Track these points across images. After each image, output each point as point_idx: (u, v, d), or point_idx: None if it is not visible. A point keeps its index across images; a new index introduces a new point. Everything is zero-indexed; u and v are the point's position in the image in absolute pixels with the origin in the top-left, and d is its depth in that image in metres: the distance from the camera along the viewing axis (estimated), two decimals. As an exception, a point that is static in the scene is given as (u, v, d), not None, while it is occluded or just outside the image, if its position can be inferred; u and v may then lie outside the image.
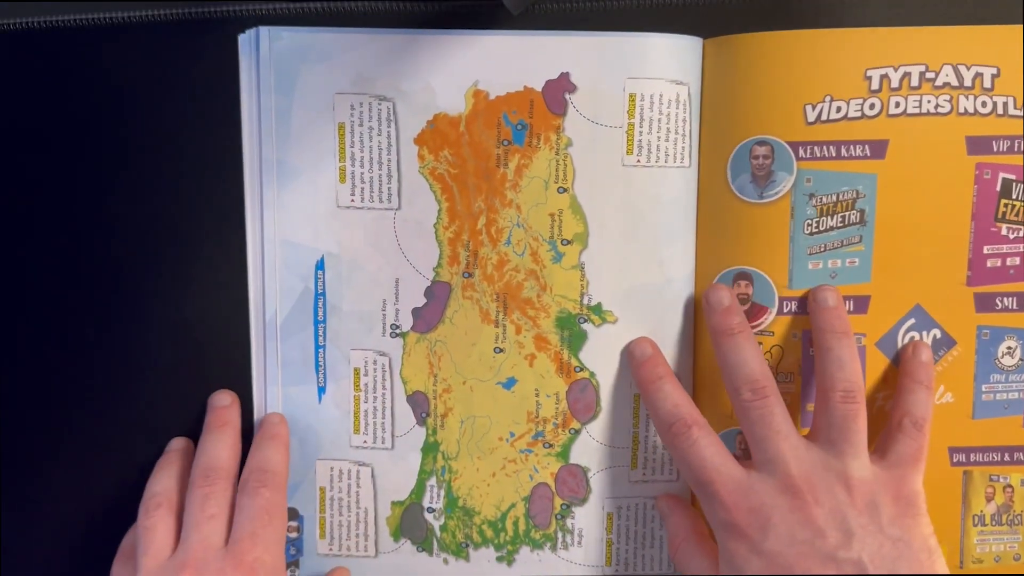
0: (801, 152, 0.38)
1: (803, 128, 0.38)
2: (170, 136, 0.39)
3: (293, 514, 0.41)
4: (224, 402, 0.40)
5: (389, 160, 0.38)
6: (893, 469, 0.34)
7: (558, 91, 0.37)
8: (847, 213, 0.38)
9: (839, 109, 0.38)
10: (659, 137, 0.38)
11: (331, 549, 0.42)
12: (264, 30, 0.38)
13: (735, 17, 0.38)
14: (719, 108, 0.38)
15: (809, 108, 0.38)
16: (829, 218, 0.38)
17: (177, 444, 0.40)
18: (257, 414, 0.41)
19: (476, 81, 0.37)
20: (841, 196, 0.38)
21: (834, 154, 0.38)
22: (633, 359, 0.39)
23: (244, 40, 0.38)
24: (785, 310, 0.39)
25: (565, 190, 0.38)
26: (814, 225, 0.38)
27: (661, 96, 0.38)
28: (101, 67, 0.39)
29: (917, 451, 0.35)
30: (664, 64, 0.38)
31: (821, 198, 0.38)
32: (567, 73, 0.37)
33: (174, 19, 0.38)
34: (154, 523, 0.36)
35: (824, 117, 0.38)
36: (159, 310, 0.41)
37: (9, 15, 0.39)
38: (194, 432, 0.41)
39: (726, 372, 0.36)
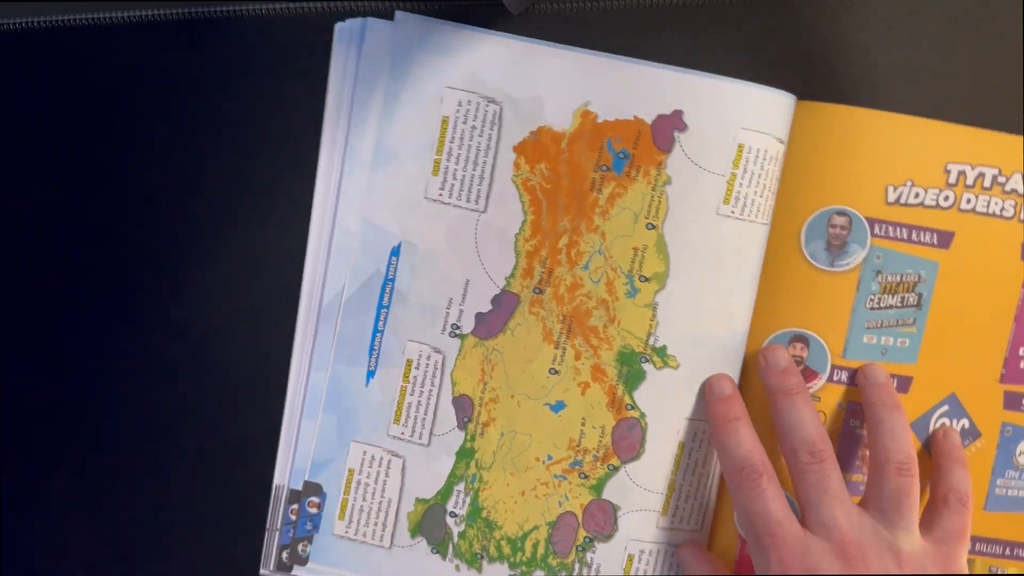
0: (877, 229, 0.40)
1: (882, 207, 0.39)
2: (171, 136, 0.40)
3: (316, 490, 0.41)
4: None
5: (485, 162, 0.39)
6: (941, 544, 0.36)
7: (668, 127, 0.38)
8: (907, 295, 0.40)
9: (917, 195, 0.40)
10: (755, 192, 0.39)
11: (347, 532, 0.41)
12: (377, 21, 0.38)
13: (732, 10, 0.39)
14: (803, 171, 0.40)
15: (891, 189, 0.40)
16: (890, 296, 0.40)
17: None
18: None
19: (587, 102, 0.38)
20: (904, 277, 0.40)
21: (905, 237, 0.40)
22: (711, 394, 0.39)
23: (343, 28, 0.39)
24: (835, 378, 0.40)
25: (654, 227, 0.39)
26: (875, 301, 0.40)
27: (766, 152, 0.39)
28: (101, 67, 0.39)
29: (963, 527, 0.36)
30: (774, 120, 0.38)
31: (887, 276, 0.40)
32: (680, 111, 0.38)
33: (174, 19, 0.38)
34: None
35: (903, 200, 0.40)
36: (159, 313, 0.41)
37: (9, 15, 0.39)
38: (203, 427, 0.41)
39: (782, 432, 0.37)
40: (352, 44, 0.39)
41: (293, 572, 0.41)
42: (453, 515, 0.41)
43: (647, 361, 0.40)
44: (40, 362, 0.41)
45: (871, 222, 0.39)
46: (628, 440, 0.40)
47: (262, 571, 0.42)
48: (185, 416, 0.42)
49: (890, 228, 0.40)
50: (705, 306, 0.39)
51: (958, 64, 0.39)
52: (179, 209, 0.40)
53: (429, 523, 0.41)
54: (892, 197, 0.40)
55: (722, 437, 0.38)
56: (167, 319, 0.41)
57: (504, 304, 0.40)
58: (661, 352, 0.40)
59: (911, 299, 0.40)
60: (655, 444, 0.40)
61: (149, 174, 0.40)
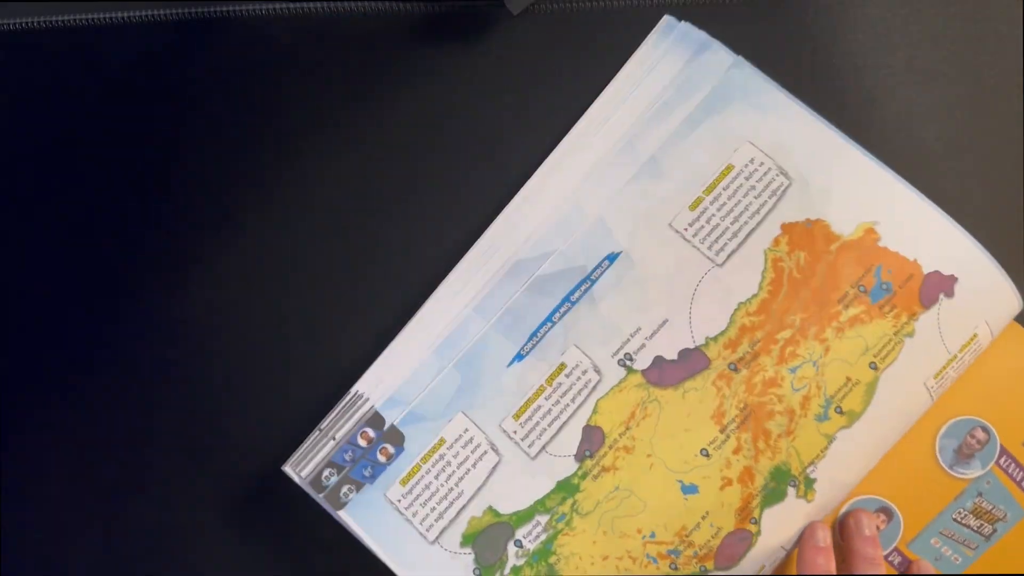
0: (1003, 460, 0.38)
1: (1018, 445, 0.38)
2: (171, 135, 0.40)
3: (397, 438, 0.36)
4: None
5: (747, 223, 0.37)
6: None
7: (938, 287, 0.36)
8: (986, 524, 0.38)
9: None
10: (955, 374, 0.37)
11: (400, 502, 0.36)
12: (732, 57, 0.38)
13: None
14: (983, 373, 0.38)
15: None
16: (974, 518, 0.38)
17: None
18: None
19: (877, 221, 0.37)
20: (995, 511, 0.38)
21: (1019, 479, 0.38)
22: (812, 539, 0.36)
23: (672, 27, 0.38)
24: (890, 559, 0.39)
25: (876, 368, 0.36)
26: (961, 515, 0.38)
27: (980, 345, 0.37)
28: (101, 67, 0.40)
29: None
30: (1001, 320, 0.38)
31: (983, 501, 0.38)
32: (956, 279, 0.36)
33: (174, 19, 0.39)
34: None
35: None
36: (158, 313, 0.40)
37: (9, 15, 0.40)
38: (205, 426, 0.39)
39: None
40: (673, 47, 0.38)
41: (318, 498, 0.36)
42: (519, 544, 0.36)
43: (795, 485, 0.36)
44: (40, 362, 0.41)
45: (1002, 451, 0.38)
46: (732, 550, 0.35)
47: (286, 469, 0.36)
48: (187, 416, 0.40)
49: (1013, 465, 0.39)
50: (866, 462, 0.37)
51: (958, 64, 0.39)
52: (179, 209, 0.40)
53: (488, 540, 0.36)
54: None
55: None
56: (167, 319, 0.40)
57: (691, 361, 0.36)
58: (808, 483, 0.36)
59: (986, 529, 0.39)
60: (750, 563, 0.36)
61: (149, 174, 0.40)
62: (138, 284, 0.40)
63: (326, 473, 0.36)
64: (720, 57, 0.38)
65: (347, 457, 0.36)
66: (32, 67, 0.39)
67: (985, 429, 0.38)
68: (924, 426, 0.38)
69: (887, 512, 0.38)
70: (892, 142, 0.38)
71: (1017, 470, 0.38)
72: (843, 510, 0.38)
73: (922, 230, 0.37)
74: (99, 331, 0.40)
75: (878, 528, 0.38)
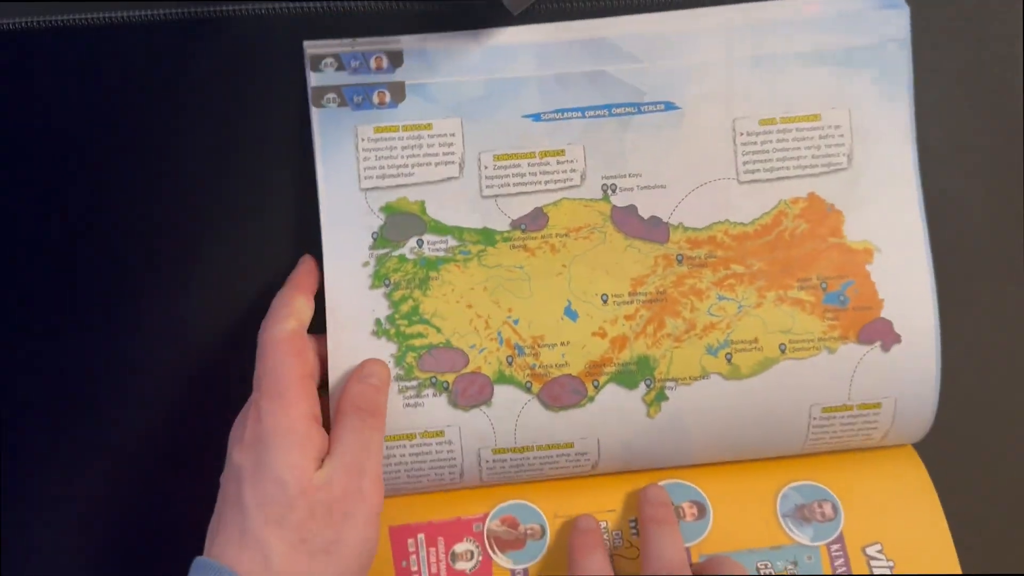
0: (835, 547, 0.38)
1: (858, 548, 0.38)
2: (171, 135, 0.40)
3: (399, 94, 0.38)
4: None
5: (788, 170, 0.38)
6: None
7: (880, 335, 0.38)
8: None
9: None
10: (836, 441, 0.39)
11: (363, 141, 0.38)
12: (906, 32, 0.38)
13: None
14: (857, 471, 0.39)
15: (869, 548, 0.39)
16: None
17: None
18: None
19: (880, 250, 0.38)
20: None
21: (837, 570, 0.39)
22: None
23: None
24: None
25: (784, 350, 0.38)
26: (763, 568, 0.38)
27: (876, 438, 0.39)
28: (101, 67, 0.40)
29: None
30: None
31: (794, 572, 0.38)
32: (900, 341, 0.38)
33: (174, 19, 0.39)
34: None
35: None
36: (158, 313, 0.41)
37: (9, 15, 0.39)
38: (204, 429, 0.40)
39: (647, 560, 0.36)
40: None
41: (309, 77, 0.38)
42: (420, 244, 0.38)
43: (648, 386, 0.38)
44: (40, 362, 0.41)
45: (840, 538, 0.38)
46: (561, 392, 0.38)
47: (305, 43, 0.38)
48: (188, 416, 0.41)
49: (841, 559, 0.38)
50: (716, 441, 0.39)
51: (958, 64, 0.40)
52: (179, 208, 0.40)
53: (402, 221, 0.38)
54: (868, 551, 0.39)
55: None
56: (167, 319, 0.41)
57: (655, 230, 0.38)
58: (661, 396, 0.38)
59: None
60: (563, 426, 0.38)
61: (149, 174, 0.40)
62: (139, 284, 0.41)
63: (327, 61, 0.38)
64: (899, 24, 0.38)
65: (352, 65, 0.38)
66: (32, 67, 0.39)
67: (836, 509, 0.38)
68: (785, 464, 0.39)
69: (700, 508, 0.39)
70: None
71: (843, 564, 0.38)
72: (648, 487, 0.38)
73: (907, 290, 0.38)
74: (99, 331, 0.41)
75: (683, 516, 0.38)
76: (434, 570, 0.35)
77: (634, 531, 0.38)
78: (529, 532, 0.36)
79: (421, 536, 0.36)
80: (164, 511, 0.41)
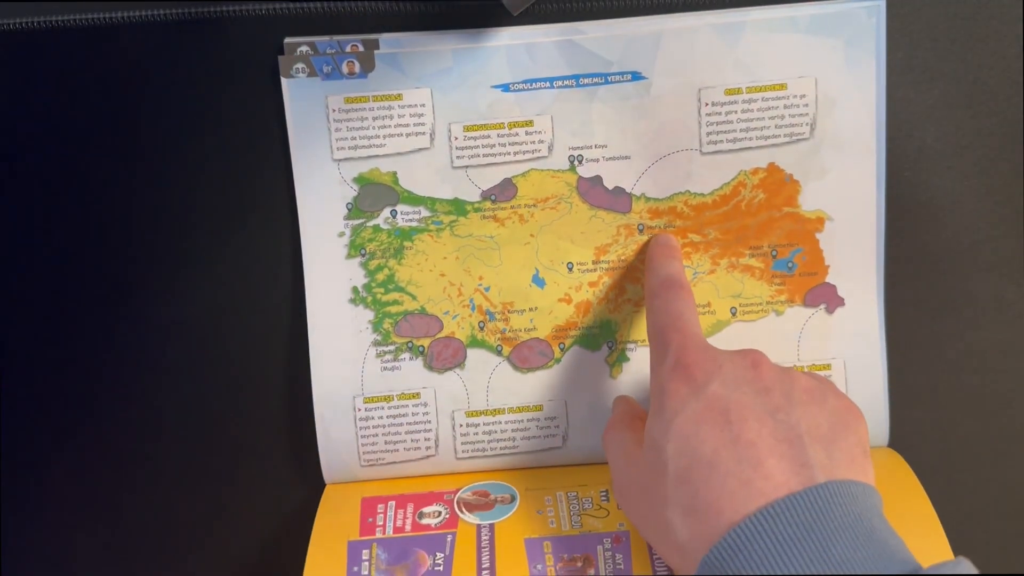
0: None
1: None
2: (171, 135, 0.40)
3: (369, 64, 0.38)
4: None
5: (750, 140, 0.39)
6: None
7: (825, 298, 0.41)
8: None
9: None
10: None
11: (333, 112, 0.39)
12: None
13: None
14: None
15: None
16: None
17: None
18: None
19: (833, 219, 0.40)
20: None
21: None
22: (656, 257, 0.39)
23: None
24: None
25: (735, 313, 0.41)
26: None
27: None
28: (101, 67, 0.39)
29: None
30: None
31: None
32: (844, 304, 0.41)
33: (174, 19, 0.39)
34: None
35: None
36: (162, 309, 0.41)
37: (9, 15, 0.39)
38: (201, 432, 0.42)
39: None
40: None
41: (280, 63, 0.38)
42: (394, 214, 0.40)
43: (611, 347, 0.41)
44: (39, 361, 0.41)
45: None
46: (530, 355, 0.41)
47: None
48: (187, 415, 0.42)
49: None
50: None
51: (958, 64, 0.39)
52: (179, 209, 0.40)
53: (376, 192, 0.40)
54: None
55: (656, 261, 0.39)
56: (167, 318, 0.41)
57: (619, 201, 0.40)
58: (623, 357, 0.41)
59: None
60: (533, 387, 0.41)
61: (149, 174, 0.40)
62: (139, 283, 0.41)
63: (302, 50, 0.38)
64: None
65: (328, 52, 0.38)
66: (32, 67, 0.39)
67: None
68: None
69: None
70: (892, 142, 0.40)
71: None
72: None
73: (853, 256, 0.40)
74: (100, 331, 0.41)
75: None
76: (399, 524, 0.38)
77: (604, 497, 0.40)
78: (499, 499, 0.40)
79: (392, 503, 0.39)
80: (164, 511, 0.43)
